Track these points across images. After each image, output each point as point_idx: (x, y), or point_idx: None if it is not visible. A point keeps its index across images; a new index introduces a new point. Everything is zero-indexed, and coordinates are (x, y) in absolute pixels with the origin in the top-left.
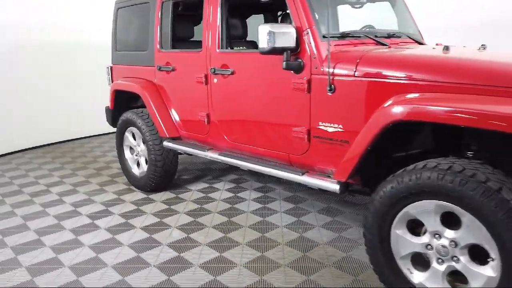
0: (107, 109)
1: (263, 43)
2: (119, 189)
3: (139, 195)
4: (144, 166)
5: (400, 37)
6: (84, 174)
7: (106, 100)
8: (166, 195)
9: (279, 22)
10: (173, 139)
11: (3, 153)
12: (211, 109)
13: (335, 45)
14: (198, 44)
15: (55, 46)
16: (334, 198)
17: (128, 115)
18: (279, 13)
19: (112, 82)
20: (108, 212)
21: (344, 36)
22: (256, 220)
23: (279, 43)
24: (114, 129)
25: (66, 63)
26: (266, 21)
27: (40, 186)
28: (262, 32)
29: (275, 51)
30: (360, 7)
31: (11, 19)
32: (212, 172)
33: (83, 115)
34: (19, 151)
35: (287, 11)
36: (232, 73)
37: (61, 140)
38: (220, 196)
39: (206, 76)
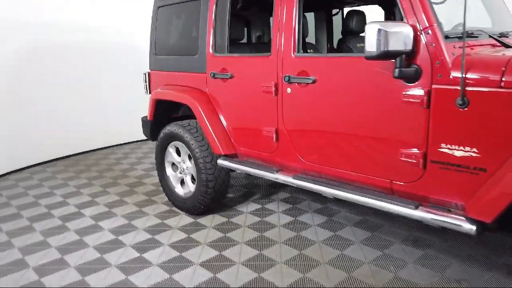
0: (144, 120)
1: (371, 46)
2: (160, 211)
3: (185, 219)
4: (191, 186)
5: (507, 36)
6: (117, 192)
7: (126, 108)
8: (216, 219)
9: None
10: (228, 156)
11: (22, 166)
12: (281, 124)
13: (455, 48)
14: (258, 48)
15: (77, 46)
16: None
17: (172, 128)
18: (335, 11)
19: (149, 90)
20: (155, 242)
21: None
22: (332, 254)
23: (393, 46)
24: (138, 138)
25: (82, 65)
26: (318, 20)
27: (70, 207)
28: (371, 31)
29: (387, 55)
30: (441, 3)
31: (35, 20)
32: (259, 189)
33: (106, 124)
34: (37, 164)
35: (347, 8)
36: (314, 82)
37: (81, 151)
38: (279, 221)
39: (276, 85)
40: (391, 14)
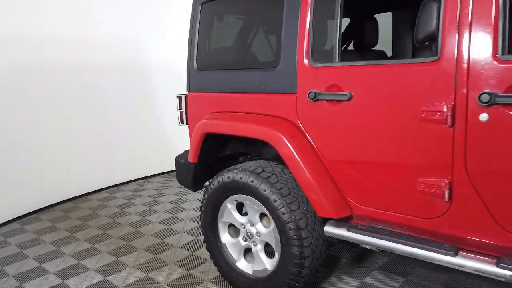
0: (182, 163)
1: None
2: None
3: None
4: (266, 261)
5: None
6: (140, 265)
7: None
8: None
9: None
10: (337, 220)
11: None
12: (461, 172)
13: None
14: (373, 55)
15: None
16: None
17: (236, 175)
18: None
19: (186, 119)
20: None
21: None
22: None
23: None
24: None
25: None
26: (396, 21)
27: None
28: None
29: None
30: None
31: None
32: (341, 253)
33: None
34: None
35: None
36: None
37: (59, 201)
38: None
39: (453, 109)
40: None
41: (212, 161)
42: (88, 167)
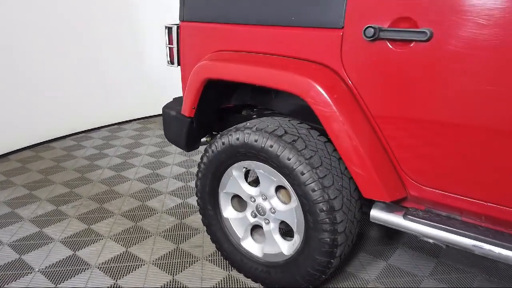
0: (173, 116)
1: None
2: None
3: None
4: (282, 244)
5: None
6: (117, 235)
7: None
8: None
9: None
10: (387, 203)
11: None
12: None
13: None
14: None
15: None
16: None
17: (248, 137)
18: None
19: (178, 59)
20: None
21: None
22: None
23: None
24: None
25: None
26: None
27: None
28: None
29: None
30: None
31: None
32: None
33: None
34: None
35: None
36: None
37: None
38: None
39: None
40: None
41: (212, 115)
42: (50, 110)
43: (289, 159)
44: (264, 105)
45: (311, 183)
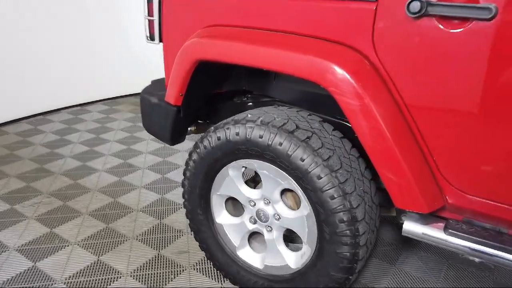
0: (156, 105)
1: None
2: None
3: None
4: (287, 255)
5: None
6: (86, 241)
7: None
8: None
9: None
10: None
11: None
12: None
13: None
14: None
15: None
16: None
17: (250, 132)
18: None
19: (159, 34)
20: None
21: None
22: None
23: None
24: None
25: None
26: None
27: None
28: None
29: None
30: None
31: None
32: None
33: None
34: None
35: None
36: None
37: None
38: None
39: None
40: None
41: (201, 102)
42: (3, 89)
43: (302, 160)
44: (262, 91)
45: (330, 188)
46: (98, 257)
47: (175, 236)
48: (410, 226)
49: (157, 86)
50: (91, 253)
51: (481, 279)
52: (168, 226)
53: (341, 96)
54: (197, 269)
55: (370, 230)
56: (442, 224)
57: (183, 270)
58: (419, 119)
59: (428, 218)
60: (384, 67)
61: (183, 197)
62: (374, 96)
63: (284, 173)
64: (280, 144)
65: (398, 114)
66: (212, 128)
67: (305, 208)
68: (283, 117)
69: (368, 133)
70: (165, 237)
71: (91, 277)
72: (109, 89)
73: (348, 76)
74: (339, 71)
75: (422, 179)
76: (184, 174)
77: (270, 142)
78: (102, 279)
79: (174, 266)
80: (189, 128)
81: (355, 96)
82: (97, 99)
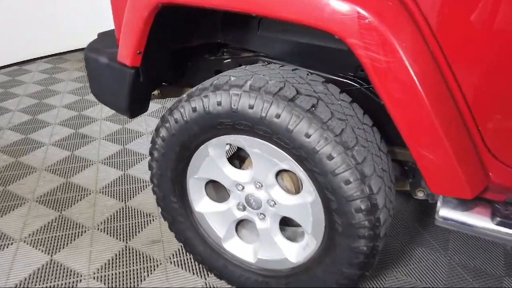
0: (107, 66)
1: None
2: None
3: None
4: (286, 248)
5: None
6: (34, 236)
7: None
8: None
9: None
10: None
11: None
12: None
13: None
14: None
15: None
16: None
17: (236, 100)
18: None
19: None
20: None
21: None
22: None
23: None
24: None
25: None
26: None
27: None
28: None
29: None
30: None
31: None
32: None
33: None
34: None
35: None
36: None
37: None
38: None
39: None
40: None
41: (165, 60)
42: None
43: (308, 136)
44: (241, 44)
45: (345, 171)
46: (51, 256)
47: (144, 221)
48: (446, 213)
49: (105, 41)
50: (42, 251)
51: (489, 248)
52: (135, 209)
53: (365, 50)
54: (174, 262)
55: (389, 217)
56: (487, 210)
57: (158, 265)
58: (463, 78)
59: (468, 202)
60: (422, 11)
61: (152, 181)
62: (410, 50)
63: (283, 152)
64: (278, 116)
65: (438, 73)
66: (185, 96)
67: (310, 193)
68: (278, 79)
69: (401, 98)
70: (132, 224)
71: (43, 282)
72: (52, 44)
73: (376, 22)
74: (365, 14)
75: (465, 156)
76: (151, 154)
77: (264, 114)
78: (57, 285)
79: (147, 260)
80: (153, 93)
81: (385, 50)
82: (38, 56)
